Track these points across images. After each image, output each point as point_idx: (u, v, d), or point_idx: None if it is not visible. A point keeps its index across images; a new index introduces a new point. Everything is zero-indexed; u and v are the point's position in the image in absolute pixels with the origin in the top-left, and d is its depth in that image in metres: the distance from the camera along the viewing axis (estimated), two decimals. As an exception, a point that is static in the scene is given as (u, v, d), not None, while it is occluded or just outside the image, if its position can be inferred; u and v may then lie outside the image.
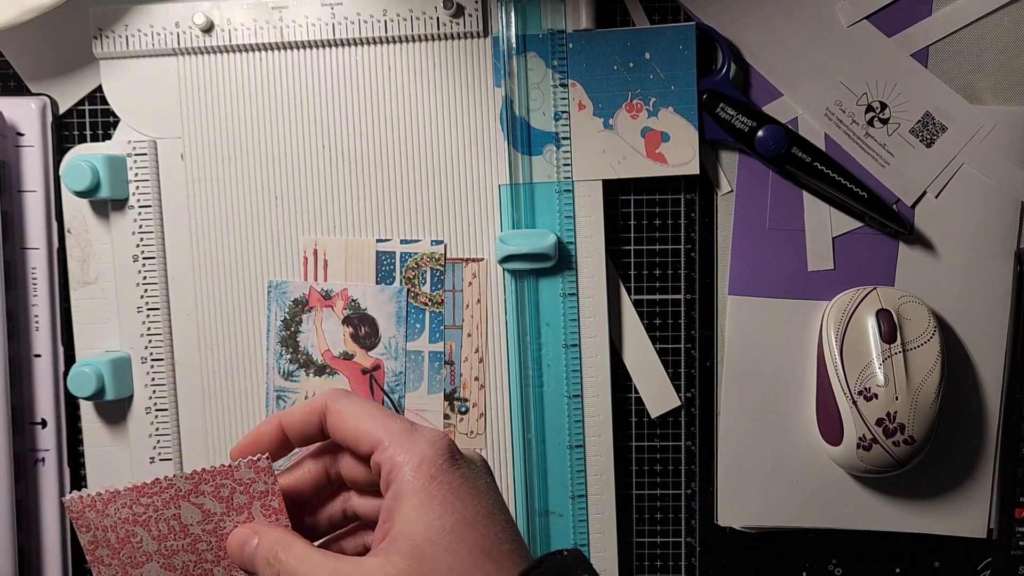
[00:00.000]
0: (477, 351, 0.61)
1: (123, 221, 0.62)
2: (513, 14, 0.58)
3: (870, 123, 0.59)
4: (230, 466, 0.38)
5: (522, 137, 0.59)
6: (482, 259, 0.61)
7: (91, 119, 0.63)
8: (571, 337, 0.60)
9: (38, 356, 0.62)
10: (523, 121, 0.59)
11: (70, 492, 0.38)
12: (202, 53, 0.61)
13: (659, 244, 0.61)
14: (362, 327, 0.62)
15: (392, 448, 0.33)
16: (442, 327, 0.61)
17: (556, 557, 0.32)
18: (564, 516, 0.61)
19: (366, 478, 0.37)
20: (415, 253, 0.61)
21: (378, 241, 0.61)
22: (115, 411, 0.63)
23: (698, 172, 0.59)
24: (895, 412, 0.56)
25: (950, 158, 0.59)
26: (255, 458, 0.37)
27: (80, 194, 0.60)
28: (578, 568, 0.31)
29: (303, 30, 0.60)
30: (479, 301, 0.61)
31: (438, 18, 0.59)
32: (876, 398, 0.56)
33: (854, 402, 0.57)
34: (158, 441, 0.62)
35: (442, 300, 0.61)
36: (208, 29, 0.60)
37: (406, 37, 0.60)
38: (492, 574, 0.31)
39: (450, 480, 0.32)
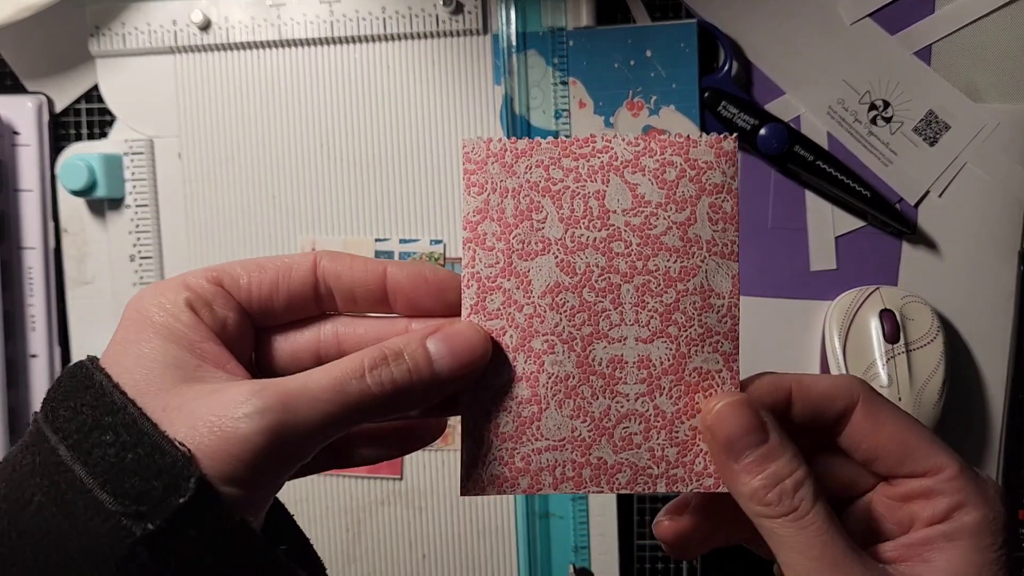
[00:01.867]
0: (477, 351, 0.61)
1: (119, 220, 0.62)
2: (513, 11, 0.58)
3: (873, 121, 0.59)
4: (687, 138, 0.29)
5: (522, 135, 0.59)
6: (482, 259, 0.60)
7: (88, 118, 0.62)
8: (571, 337, 0.60)
9: (34, 356, 0.62)
10: (523, 119, 0.59)
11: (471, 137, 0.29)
12: (199, 51, 0.61)
13: (660, 243, 0.61)
14: (361, 327, 0.61)
15: (961, 482, 0.28)
16: (441, 327, 0.61)
17: None
18: (564, 518, 0.61)
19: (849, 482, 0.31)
20: (414, 252, 0.61)
21: (376, 240, 0.61)
22: (112, 412, 0.62)
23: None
24: (898, 413, 0.55)
25: (953, 157, 0.58)
26: (720, 136, 0.29)
27: (76, 193, 0.59)
28: None
29: (301, 28, 0.59)
30: (479, 301, 0.61)
31: (437, 15, 0.58)
32: (879, 399, 0.56)
33: (857, 403, 0.56)
34: (155, 442, 0.62)
35: (441, 300, 0.61)
36: (205, 27, 0.60)
37: (405, 35, 0.59)
38: None
39: (1005, 556, 0.28)
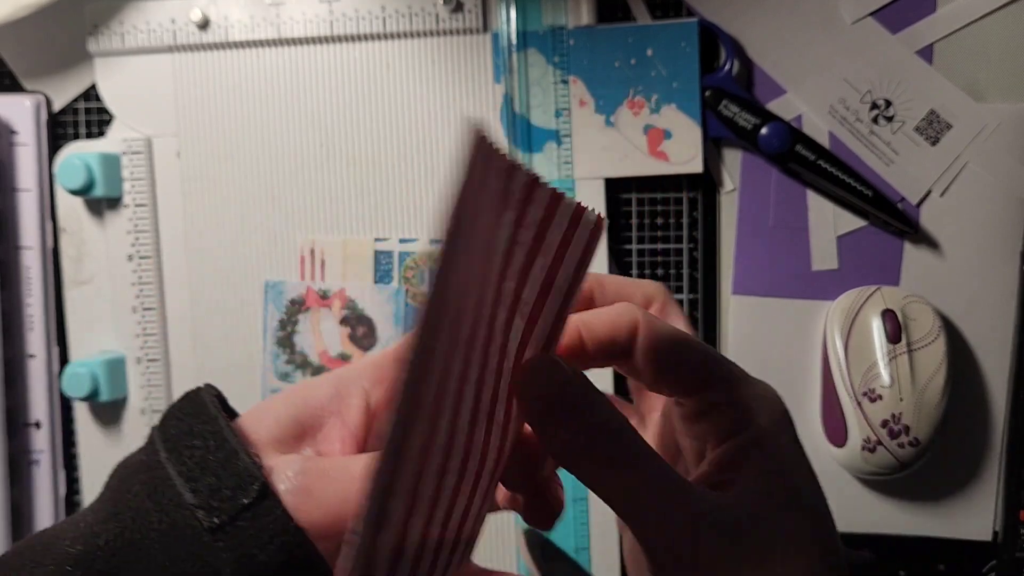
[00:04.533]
0: (477, 351, 0.61)
1: (118, 220, 0.61)
2: (513, 10, 0.58)
3: (875, 121, 0.58)
4: (558, 193, 0.26)
5: (522, 134, 0.58)
6: (482, 258, 0.60)
7: (86, 117, 0.62)
8: (572, 337, 0.59)
9: (32, 357, 0.61)
10: (523, 118, 0.59)
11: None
12: (198, 50, 0.60)
13: (661, 243, 0.60)
14: (359, 328, 0.61)
15: (743, 390, 0.29)
16: (441, 327, 0.60)
17: None
18: (565, 519, 0.60)
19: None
20: (414, 252, 0.60)
21: (376, 240, 0.61)
22: (110, 412, 0.62)
23: (701, 170, 0.58)
24: (900, 413, 0.55)
25: (955, 156, 0.58)
26: (589, 207, 0.27)
27: (74, 192, 0.59)
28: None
29: (300, 26, 0.59)
30: (479, 301, 0.60)
31: (437, 14, 0.58)
32: (881, 399, 0.55)
33: (858, 403, 0.56)
34: (153, 443, 0.62)
35: (441, 300, 0.60)
36: (204, 25, 0.59)
37: (405, 33, 0.59)
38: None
39: (799, 451, 0.28)
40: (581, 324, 0.30)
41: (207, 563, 0.27)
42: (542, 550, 0.59)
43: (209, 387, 0.31)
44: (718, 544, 0.26)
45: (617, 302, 0.30)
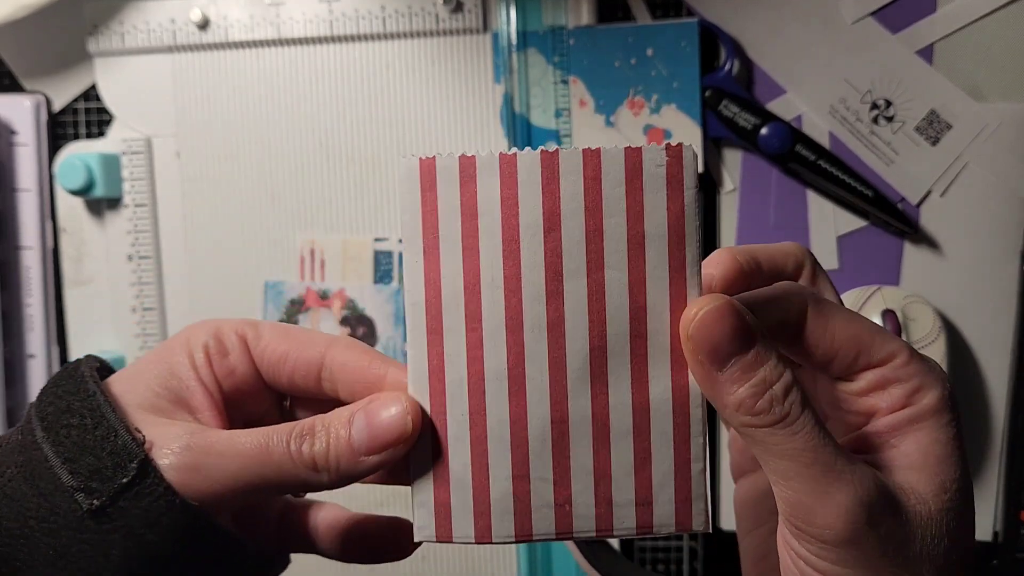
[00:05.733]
0: (477, 352, 0.60)
1: (117, 220, 0.61)
2: (513, 9, 0.58)
3: (875, 121, 0.58)
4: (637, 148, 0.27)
5: (522, 134, 0.58)
6: (482, 258, 0.60)
7: (86, 117, 0.62)
8: (572, 337, 0.59)
9: (32, 357, 0.61)
10: (523, 118, 0.59)
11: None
12: (198, 50, 0.60)
13: (661, 243, 0.60)
14: (359, 328, 0.61)
15: (914, 367, 0.28)
16: (441, 327, 0.60)
17: None
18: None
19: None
20: (414, 252, 0.60)
21: (376, 240, 0.61)
22: (110, 412, 0.62)
23: (701, 170, 0.58)
24: (900, 413, 0.55)
25: (955, 156, 0.58)
26: (650, 145, 0.27)
27: (74, 193, 0.59)
28: None
29: (300, 26, 0.59)
30: (479, 301, 0.60)
31: (437, 14, 0.58)
32: (881, 399, 0.55)
33: (859, 403, 0.56)
34: (153, 443, 0.62)
35: (441, 300, 0.60)
36: (204, 25, 0.59)
37: (405, 33, 0.59)
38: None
39: (961, 429, 0.28)
40: (748, 311, 0.28)
41: (94, 547, 0.26)
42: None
43: (90, 359, 0.30)
44: (868, 523, 0.26)
45: (775, 278, 0.30)
